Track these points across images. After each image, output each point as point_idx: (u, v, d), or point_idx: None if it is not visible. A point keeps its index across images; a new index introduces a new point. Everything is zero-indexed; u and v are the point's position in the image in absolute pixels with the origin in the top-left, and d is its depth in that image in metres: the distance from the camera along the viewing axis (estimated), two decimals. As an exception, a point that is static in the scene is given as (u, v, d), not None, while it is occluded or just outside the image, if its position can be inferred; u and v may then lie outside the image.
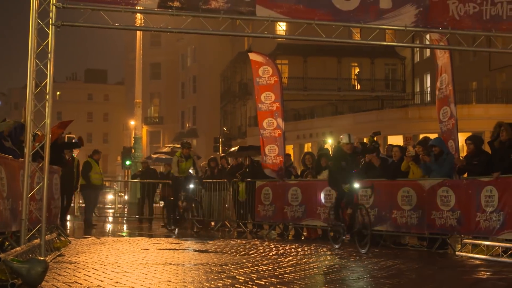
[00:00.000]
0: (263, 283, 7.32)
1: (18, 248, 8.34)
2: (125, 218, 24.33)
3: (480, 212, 11.68)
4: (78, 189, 19.43)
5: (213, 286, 6.96)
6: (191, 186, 15.30)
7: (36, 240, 8.95)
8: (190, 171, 17.10)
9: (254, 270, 8.68)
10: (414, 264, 10.71)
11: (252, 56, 18.43)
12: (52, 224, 11.73)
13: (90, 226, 19.11)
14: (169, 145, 34.24)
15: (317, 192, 16.12)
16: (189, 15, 9.74)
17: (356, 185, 11.68)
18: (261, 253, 11.39)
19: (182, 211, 16.08)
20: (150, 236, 16.34)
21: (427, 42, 13.72)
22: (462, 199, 12.36)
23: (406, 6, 10.30)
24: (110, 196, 38.08)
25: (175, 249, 11.91)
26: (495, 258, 11.12)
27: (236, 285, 7.01)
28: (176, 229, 15.90)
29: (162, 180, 22.67)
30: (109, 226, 20.94)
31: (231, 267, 8.98)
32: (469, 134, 19.66)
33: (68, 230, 16.85)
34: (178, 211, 16.30)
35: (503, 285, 8.38)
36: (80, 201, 22.47)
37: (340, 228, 12.44)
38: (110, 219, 25.19)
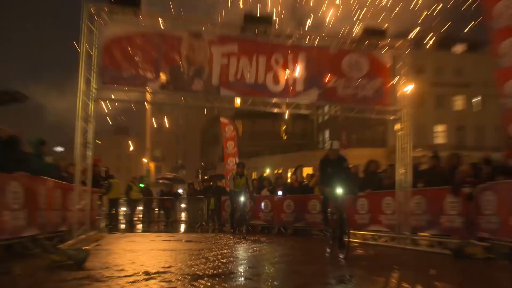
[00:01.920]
0: (225, 260, 7.48)
1: (70, 241, 8.51)
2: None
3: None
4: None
5: (193, 263, 7.10)
6: (242, 198, 13.28)
7: (82, 236, 9.08)
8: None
9: (219, 253, 8.69)
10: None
11: (222, 119, 20.83)
12: (92, 225, 11.70)
13: (132, 226, 18.98)
14: (168, 174, 34.11)
15: (260, 202, 15.80)
16: (179, 93, 9.91)
17: (339, 190, 8.43)
18: (224, 242, 11.45)
19: (238, 217, 13.82)
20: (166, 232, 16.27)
21: (326, 110, 13.84)
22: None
23: (312, 88, 10.48)
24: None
25: (171, 240, 11.85)
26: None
27: (208, 263, 7.11)
28: (237, 229, 13.88)
29: (161, 196, 22.69)
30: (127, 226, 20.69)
31: (205, 251, 8.98)
32: None
33: (109, 229, 16.60)
34: (235, 218, 14.24)
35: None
36: (124, 209, 22.12)
37: (328, 233, 8.89)
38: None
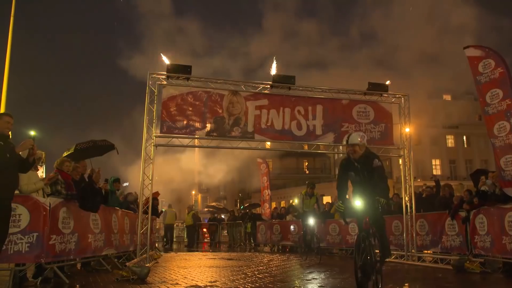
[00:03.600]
0: (261, 276, 7.36)
1: (135, 260, 8.51)
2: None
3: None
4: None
5: (235, 278, 7.01)
6: (312, 220, 11.07)
7: (144, 255, 9.08)
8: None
9: (256, 269, 8.58)
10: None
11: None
12: (152, 246, 11.73)
13: (193, 246, 18.94)
14: (213, 203, 34.35)
15: (289, 225, 15.66)
16: (221, 139, 9.97)
17: (357, 203, 5.16)
18: (259, 260, 11.32)
19: (309, 239, 11.22)
20: (215, 251, 16.19)
21: (340, 149, 13.73)
22: None
23: (329, 133, 10.38)
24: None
25: (215, 258, 11.77)
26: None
27: (246, 278, 7.04)
28: (307, 257, 11.18)
29: (208, 222, 22.77)
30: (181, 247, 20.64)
31: (244, 267, 8.89)
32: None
33: (165, 249, 16.61)
34: (305, 240, 11.34)
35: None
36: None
37: None
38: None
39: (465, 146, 46.24)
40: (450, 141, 46.29)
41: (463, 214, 9.22)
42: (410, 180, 10.95)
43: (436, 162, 45.20)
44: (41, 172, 7.00)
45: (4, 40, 15.69)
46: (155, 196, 13.00)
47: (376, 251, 5.06)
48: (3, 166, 5.02)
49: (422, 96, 36.98)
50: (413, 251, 10.51)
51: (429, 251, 10.71)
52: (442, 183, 11.95)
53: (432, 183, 12.38)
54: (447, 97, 47.54)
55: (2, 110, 14.73)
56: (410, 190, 10.87)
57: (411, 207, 10.72)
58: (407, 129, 11.19)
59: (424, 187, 12.28)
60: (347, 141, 5.33)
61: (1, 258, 5.61)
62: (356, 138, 5.33)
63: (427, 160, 43.13)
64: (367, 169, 5.22)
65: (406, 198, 10.86)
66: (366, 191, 5.19)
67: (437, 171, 43.80)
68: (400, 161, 11.41)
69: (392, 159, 35.53)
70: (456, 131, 45.57)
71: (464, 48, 9.24)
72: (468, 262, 8.19)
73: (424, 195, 11.66)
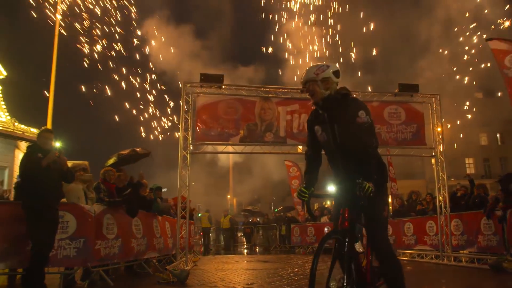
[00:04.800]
0: (296, 278, 7.30)
1: (175, 263, 8.62)
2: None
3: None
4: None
5: (271, 280, 6.99)
6: None
7: (183, 259, 9.17)
8: None
9: (291, 271, 8.50)
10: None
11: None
12: (190, 249, 11.83)
13: (230, 249, 19.08)
14: (248, 207, 34.33)
15: (323, 227, 15.61)
16: (254, 145, 9.98)
17: (330, 188, 3.88)
18: (294, 262, 11.26)
19: None
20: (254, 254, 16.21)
21: None
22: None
23: None
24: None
25: (251, 261, 11.77)
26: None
27: (282, 280, 6.99)
28: None
29: (243, 225, 22.84)
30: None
31: (280, 270, 8.82)
32: None
33: (202, 252, 16.73)
34: None
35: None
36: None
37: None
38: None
39: (499, 143, 44.64)
40: (483, 139, 44.78)
41: (499, 213, 8.87)
42: (444, 180, 10.64)
43: (469, 161, 43.76)
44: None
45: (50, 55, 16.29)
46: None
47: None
48: (47, 178, 5.35)
49: (453, 95, 35.88)
50: (448, 251, 10.19)
51: (465, 251, 10.35)
52: (476, 182, 11.53)
53: (466, 182, 11.96)
54: (479, 95, 46.01)
55: (49, 124, 15.32)
56: (444, 190, 10.56)
57: (445, 207, 10.41)
58: (438, 129, 10.90)
59: (458, 187, 11.90)
60: (302, 77, 3.28)
61: (51, 262, 5.83)
62: (311, 70, 3.20)
63: (460, 159, 41.82)
64: (339, 123, 3.12)
65: (440, 198, 10.55)
66: (340, 166, 3.22)
67: (470, 170, 42.32)
68: (433, 161, 11.08)
69: (424, 159, 34.56)
70: (489, 129, 44.01)
71: (487, 40, 9.01)
72: (506, 262, 7.84)
73: (458, 195, 11.29)
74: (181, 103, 9.48)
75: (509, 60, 8.47)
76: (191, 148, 9.49)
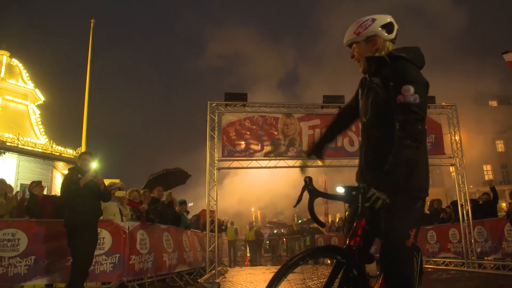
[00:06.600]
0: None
1: (205, 276, 8.59)
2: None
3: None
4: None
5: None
6: None
7: (213, 271, 9.13)
8: None
9: (319, 281, 8.27)
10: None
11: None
12: (219, 262, 11.77)
13: (256, 261, 18.88)
14: (273, 219, 34.04)
15: None
16: (278, 159, 9.94)
17: (339, 189, 2.19)
18: (321, 272, 11.07)
19: None
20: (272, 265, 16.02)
21: None
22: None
23: None
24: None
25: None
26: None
27: None
28: None
29: (268, 237, 22.65)
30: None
31: (307, 280, 8.56)
32: None
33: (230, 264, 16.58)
34: None
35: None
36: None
37: None
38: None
39: (518, 150, 43.51)
40: (500, 146, 43.76)
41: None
42: (465, 187, 10.40)
43: (487, 168, 42.76)
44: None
45: (83, 84, 16.76)
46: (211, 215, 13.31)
47: None
48: (86, 197, 5.51)
49: (469, 104, 35.28)
50: (473, 258, 9.89)
51: (489, 258, 10.03)
52: (496, 188, 11.23)
53: (486, 189, 11.67)
54: (493, 103, 45.16)
55: (83, 148, 15.69)
56: (466, 198, 10.30)
57: (467, 215, 10.14)
58: (456, 138, 10.71)
59: (480, 195, 11.59)
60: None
61: (89, 278, 5.89)
62: (352, 29, 2.29)
63: (478, 166, 40.86)
64: (376, 94, 2.21)
65: (462, 205, 10.30)
66: (362, 152, 2.35)
67: (489, 176, 41.38)
68: (451, 169, 10.86)
69: (442, 168, 33.99)
70: (505, 135, 43.08)
71: (503, 53, 8.81)
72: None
73: (480, 202, 11.00)
74: (207, 122, 9.55)
75: None
76: (218, 165, 9.51)
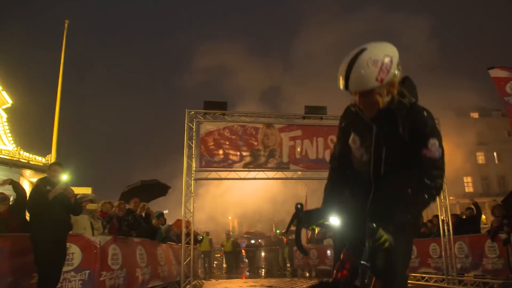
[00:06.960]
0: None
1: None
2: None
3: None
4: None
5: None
6: None
7: (187, 286, 8.96)
8: None
9: None
10: None
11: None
12: (195, 275, 11.57)
13: (232, 272, 18.46)
14: (251, 229, 33.69)
15: (325, 250, 15.26)
16: (258, 171, 9.86)
17: (333, 220, 1.95)
18: (299, 286, 10.97)
19: None
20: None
21: None
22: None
23: None
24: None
25: (255, 285, 11.39)
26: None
27: None
28: None
29: (245, 247, 22.48)
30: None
31: None
32: None
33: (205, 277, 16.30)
34: None
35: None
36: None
37: None
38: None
39: (496, 162, 44.48)
40: (481, 158, 44.65)
41: (503, 236, 8.67)
42: (446, 202, 10.49)
43: (467, 180, 43.56)
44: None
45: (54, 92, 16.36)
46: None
47: None
48: (55, 211, 5.31)
49: (450, 116, 35.99)
50: (453, 274, 9.96)
51: (470, 274, 10.10)
52: (476, 200, 11.37)
53: (466, 201, 11.83)
54: (474, 115, 46.15)
55: (54, 155, 15.26)
56: (447, 213, 10.39)
57: (448, 230, 10.22)
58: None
59: (464, 210, 11.70)
60: (345, 84, 1.90)
61: (56, 296, 5.64)
62: (371, 74, 1.84)
63: (459, 178, 41.61)
64: (392, 146, 1.99)
65: (442, 218, 10.39)
66: (366, 196, 2.09)
67: (469, 188, 42.16)
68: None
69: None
70: (486, 147, 44.02)
71: (488, 69, 9.00)
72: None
73: (464, 217, 11.10)
74: (185, 130, 9.41)
75: (510, 87, 8.48)
76: (195, 175, 9.36)
